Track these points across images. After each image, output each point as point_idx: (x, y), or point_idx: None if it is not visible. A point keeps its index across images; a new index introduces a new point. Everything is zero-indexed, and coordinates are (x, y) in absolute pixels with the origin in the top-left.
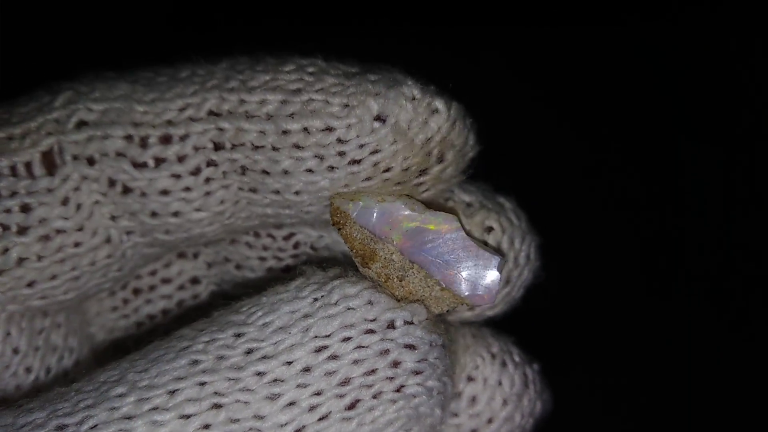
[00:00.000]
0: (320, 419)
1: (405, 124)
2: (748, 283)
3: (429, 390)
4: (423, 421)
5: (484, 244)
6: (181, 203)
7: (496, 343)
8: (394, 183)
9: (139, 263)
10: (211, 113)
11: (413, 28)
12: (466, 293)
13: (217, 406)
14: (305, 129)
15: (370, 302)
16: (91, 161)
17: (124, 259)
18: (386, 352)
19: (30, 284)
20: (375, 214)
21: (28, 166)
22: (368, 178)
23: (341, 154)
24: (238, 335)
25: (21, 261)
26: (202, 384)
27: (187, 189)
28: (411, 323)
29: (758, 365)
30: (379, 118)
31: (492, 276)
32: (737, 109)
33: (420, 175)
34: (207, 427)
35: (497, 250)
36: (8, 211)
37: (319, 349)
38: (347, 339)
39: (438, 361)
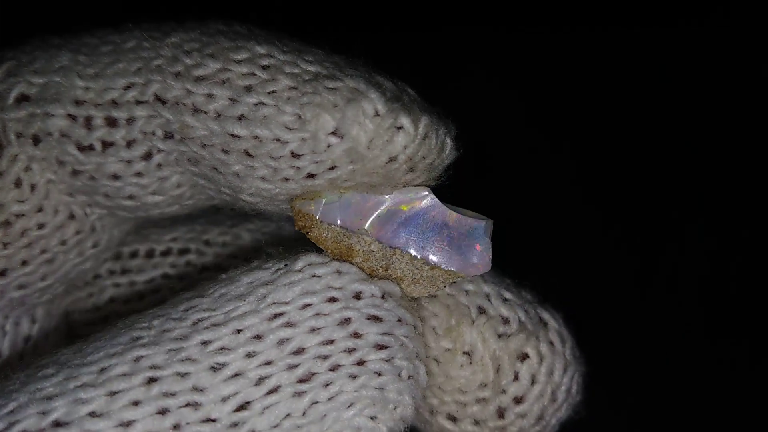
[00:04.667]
0: (269, 393)
1: (364, 143)
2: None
3: (396, 369)
4: (390, 409)
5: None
6: (135, 188)
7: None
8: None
9: (115, 234)
10: (156, 98)
11: (406, 32)
12: (458, 266)
13: (152, 380)
14: (256, 137)
15: (338, 272)
16: (36, 140)
17: (95, 233)
18: (347, 321)
19: (2, 273)
20: (341, 208)
21: None
22: (325, 189)
23: (296, 168)
24: (189, 308)
25: None
26: (138, 358)
27: (139, 174)
28: (380, 297)
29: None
30: (335, 134)
31: (481, 243)
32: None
33: (386, 184)
34: (137, 403)
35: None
36: None
37: (274, 317)
38: (307, 306)
39: (407, 340)
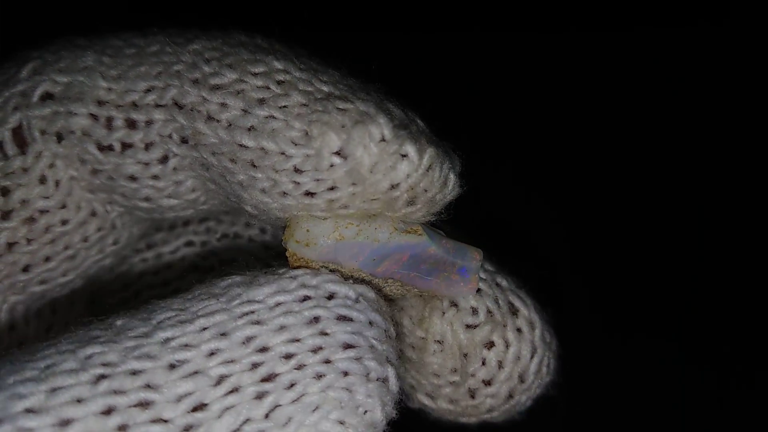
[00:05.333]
0: (228, 393)
1: (367, 168)
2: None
3: (365, 370)
4: (359, 413)
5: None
6: (151, 190)
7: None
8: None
9: (135, 233)
10: (174, 103)
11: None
12: (446, 293)
13: (101, 377)
14: (262, 149)
15: (316, 273)
16: (59, 137)
17: (115, 231)
18: (315, 320)
19: (25, 269)
20: (337, 253)
21: (0, 146)
22: (323, 211)
23: (295, 183)
24: (158, 308)
25: (11, 246)
26: (90, 356)
27: (156, 177)
28: (353, 300)
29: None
30: (339, 154)
31: (470, 274)
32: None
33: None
34: (80, 400)
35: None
36: None
37: (243, 315)
38: (278, 304)
39: (377, 343)
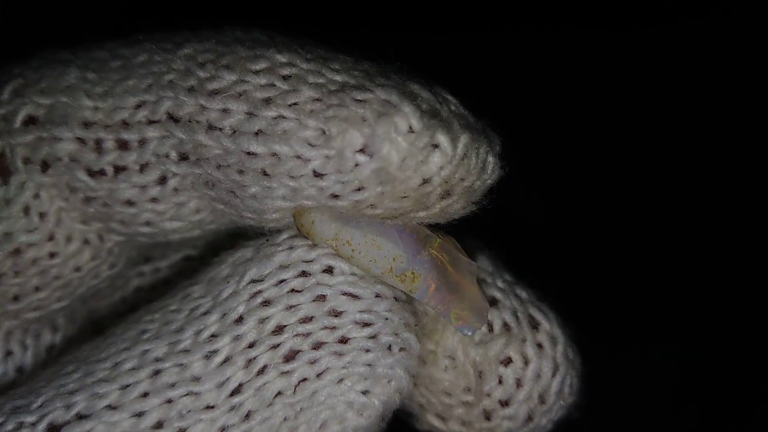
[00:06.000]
0: (258, 374)
1: (396, 163)
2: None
3: (384, 345)
4: (384, 383)
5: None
6: (151, 214)
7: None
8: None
9: (134, 255)
10: (169, 116)
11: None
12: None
13: (156, 373)
14: (274, 154)
15: (312, 245)
16: (44, 166)
17: (112, 256)
18: (322, 298)
19: (15, 298)
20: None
21: None
22: (350, 211)
23: (319, 188)
24: (185, 297)
25: None
26: (144, 352)
27: (155, 200)
28: (351, 274)
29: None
30: (363, 152)
31: (453, 322)
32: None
33: (418, 210)
34: (146, 394)
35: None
36: None
37: (252, 296)
38: (281, 282)
39: (390, 314)
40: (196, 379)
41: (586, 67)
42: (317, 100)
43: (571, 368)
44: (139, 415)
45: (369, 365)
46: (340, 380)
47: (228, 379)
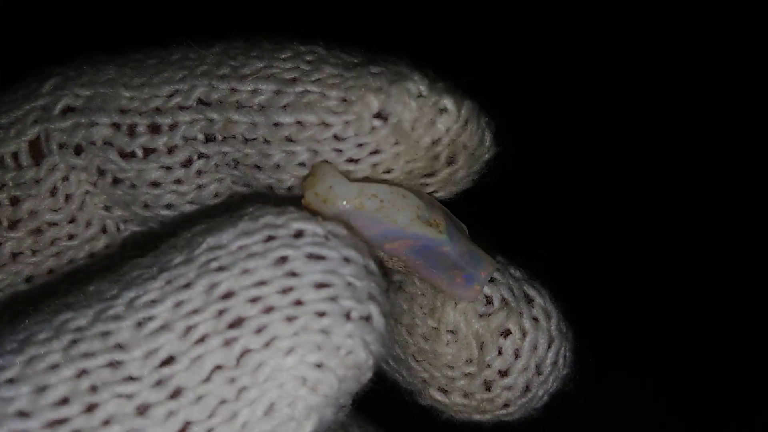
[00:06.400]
0: (195, 343)
1: (409, 124)
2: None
3: (342, 310)
4: (340, 356)
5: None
6: (173, 195)
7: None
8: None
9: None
10: (200, 102)
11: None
12: (446, 289)
13: (74, 342)
14: (299, 122)
15: (281, 211)
16: (78, 150)
17: (124, 249)
18: (283, 260)
19: (28, 280)
20: (351, 218)
21: (15, 156)
22: (366, 177)
23: (337, 151)
24: (128, 269)
25: (15, 256)
26: (64, 322)
27: (179, 181)
28: (322, 236)
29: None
30: (380, 115)
31: (477, 284)
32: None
33: (426, 176)
34: (55, 367)
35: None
36: None
37: (206, 262)
38: (241, 247)
39: (354, 280)
40: (121, 347)
41: (587, 68)
42: (337, 75)
43: (565, 341)
44: (41, 390)
45: (323, 332)
46: (290, 350)
47: (159, 347)
